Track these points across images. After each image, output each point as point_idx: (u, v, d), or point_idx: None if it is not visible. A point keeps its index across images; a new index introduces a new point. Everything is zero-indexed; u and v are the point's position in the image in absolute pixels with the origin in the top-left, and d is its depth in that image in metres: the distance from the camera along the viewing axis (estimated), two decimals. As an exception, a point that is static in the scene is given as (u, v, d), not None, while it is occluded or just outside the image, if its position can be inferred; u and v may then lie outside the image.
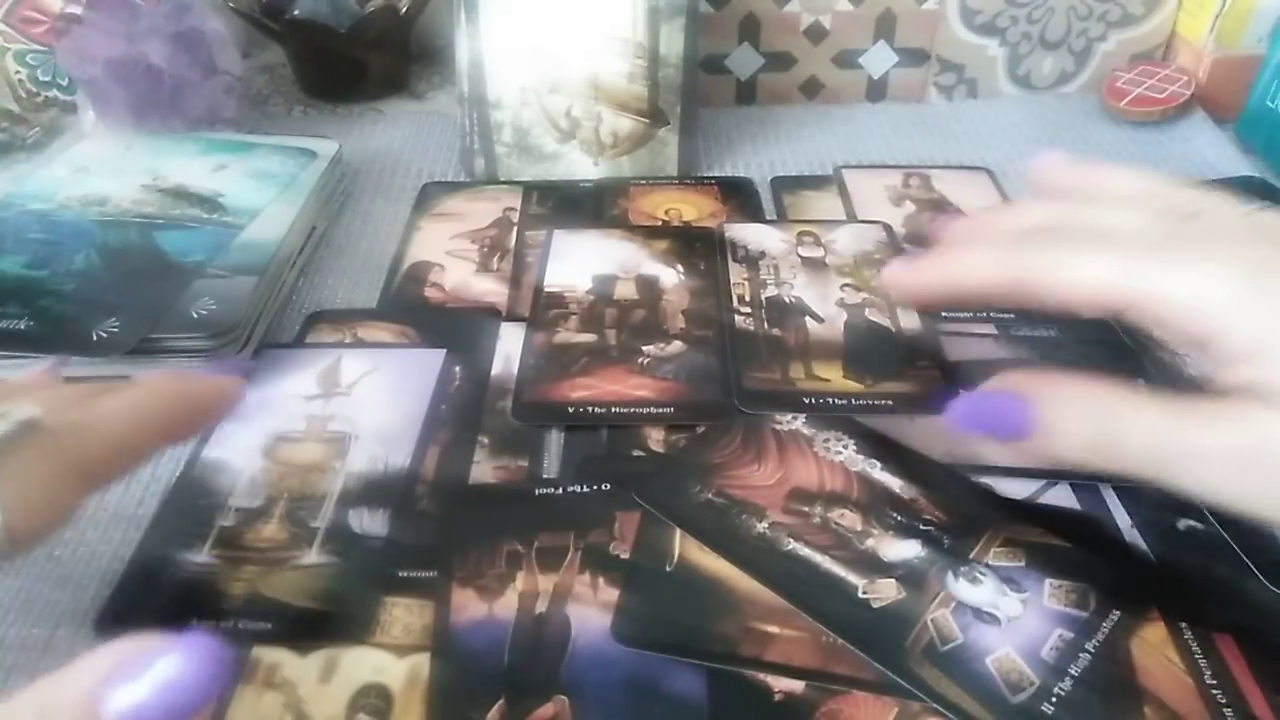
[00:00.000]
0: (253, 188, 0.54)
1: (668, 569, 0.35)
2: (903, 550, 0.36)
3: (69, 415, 0.27)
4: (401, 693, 0.32)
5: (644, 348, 0.46)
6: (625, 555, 0.36)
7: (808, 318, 0.48)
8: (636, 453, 0.41)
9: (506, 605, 0.34)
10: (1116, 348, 0.47)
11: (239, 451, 0.41)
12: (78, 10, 0.62)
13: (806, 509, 0.37)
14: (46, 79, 0.69)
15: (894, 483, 0.38)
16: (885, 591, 0.34)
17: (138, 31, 0.59)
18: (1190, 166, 0.62)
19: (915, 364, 0.45)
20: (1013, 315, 0.49)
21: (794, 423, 0.42)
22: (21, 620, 0.35)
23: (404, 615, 0.34)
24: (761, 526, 0.37)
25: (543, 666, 0.32)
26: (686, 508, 0.37)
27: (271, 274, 0.48)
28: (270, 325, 0.49)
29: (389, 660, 0.33)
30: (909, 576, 0.34)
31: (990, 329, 0.48)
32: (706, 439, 0.41)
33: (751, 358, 0.45)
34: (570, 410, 0.43)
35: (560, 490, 0.39)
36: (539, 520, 0.37)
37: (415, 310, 0.50)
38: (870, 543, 0.36)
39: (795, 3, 0.66)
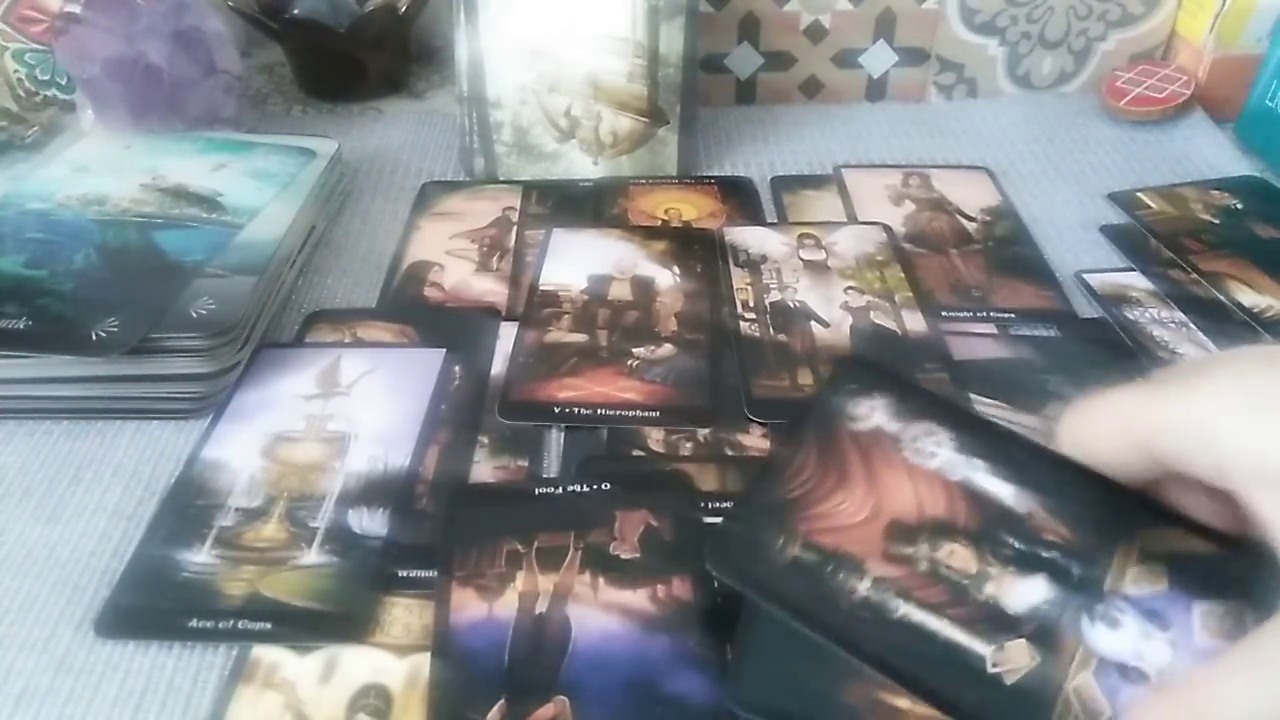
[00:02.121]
0: (252, 187, 0.53)
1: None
2: (1028, 593, 0.29)
3: None
4: (401, 693, 0.32)
5: (634, 350, 0.46)
6: (625, 555, 0.36)
7: (813, 322, 0.48)
8: (637, 452, 0.41)
9: (506, 605, 0.34)
10: (1116, 347, 0.47)
11: (238, 451, 0.41)
12: (76, 9, 0.62)
13: (910, 550, 0.30)
14: (45, 78, 0.69)
15: (1004, 491, 0.31)
16: (1017, 659, 0.28)
17: (136, 30, 0.59)
18: (1190, 166, 0.62)
19: (923, 366, 0.45)
20: (1012, 314, 0.49)
21: (874, 416, 0.33)
22: (21, 620, 0.35)
23: (404, 615, 0.34)
24: (864, 587, 0.29)
25: (543, 667, 0.32)
26: (772, 574, 0.29)
27: (271, 273, 0.48)
28: (269, 325, 0.48)
29: (389, 660, 0.33)
30: (1040, 632, 0.29)
31: (990, 328, 0.48)
32: (773, 468, 0.32)
33: (759, 365, 0.45)
34: (556, 410, 0.43)
35: (560, 490, 0.39)
36: (539, 520, 0.37)
37: (415, 310, 0.50)
38: (989, 589, 0.30)
39: (795, 2, 0.66)
